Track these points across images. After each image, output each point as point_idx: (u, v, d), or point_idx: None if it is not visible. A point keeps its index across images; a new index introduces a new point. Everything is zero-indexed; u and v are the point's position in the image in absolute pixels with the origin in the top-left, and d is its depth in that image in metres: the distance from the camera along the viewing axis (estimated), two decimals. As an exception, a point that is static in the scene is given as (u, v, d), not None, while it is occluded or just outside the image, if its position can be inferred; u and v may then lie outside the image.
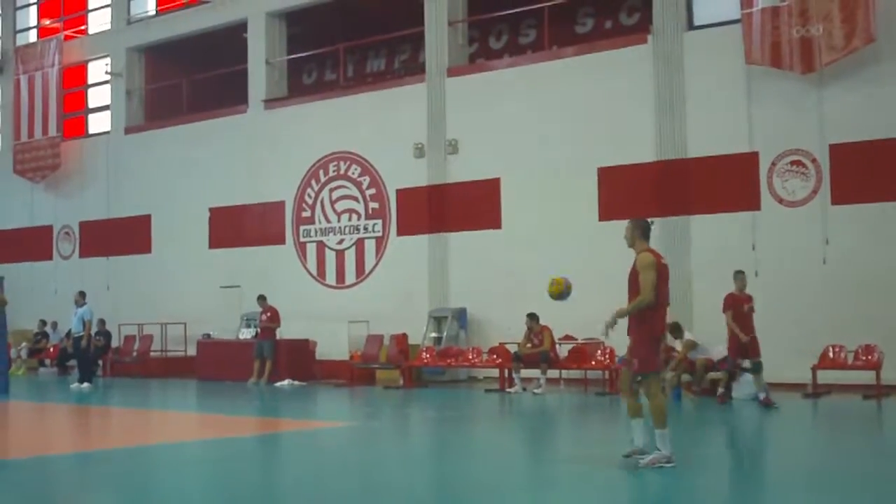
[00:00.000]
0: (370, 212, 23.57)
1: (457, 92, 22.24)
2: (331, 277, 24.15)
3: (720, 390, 15.44)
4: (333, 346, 22.41)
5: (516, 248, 20.96)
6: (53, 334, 28.08)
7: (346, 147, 24.01)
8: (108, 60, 29.55)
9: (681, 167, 19.28)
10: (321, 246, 24.41)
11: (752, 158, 18.49)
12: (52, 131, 29.99)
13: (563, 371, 19.07)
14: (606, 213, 19.64)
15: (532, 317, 18.47)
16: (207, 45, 27.10)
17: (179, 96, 27.98)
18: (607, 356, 17.95)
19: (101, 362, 24.85)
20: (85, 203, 29.54)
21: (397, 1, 23.31)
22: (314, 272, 24.43)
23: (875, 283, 17.06)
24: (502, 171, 21.43)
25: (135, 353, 25.69)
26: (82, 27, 30.88)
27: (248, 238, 25.57)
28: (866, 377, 16.19)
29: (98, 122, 30.27)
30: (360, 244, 23.69)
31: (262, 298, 21.95)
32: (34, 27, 32.36)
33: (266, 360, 21.48)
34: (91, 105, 30.72)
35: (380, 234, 23.35)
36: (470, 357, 20.02)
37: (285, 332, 22.16)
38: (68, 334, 23.80)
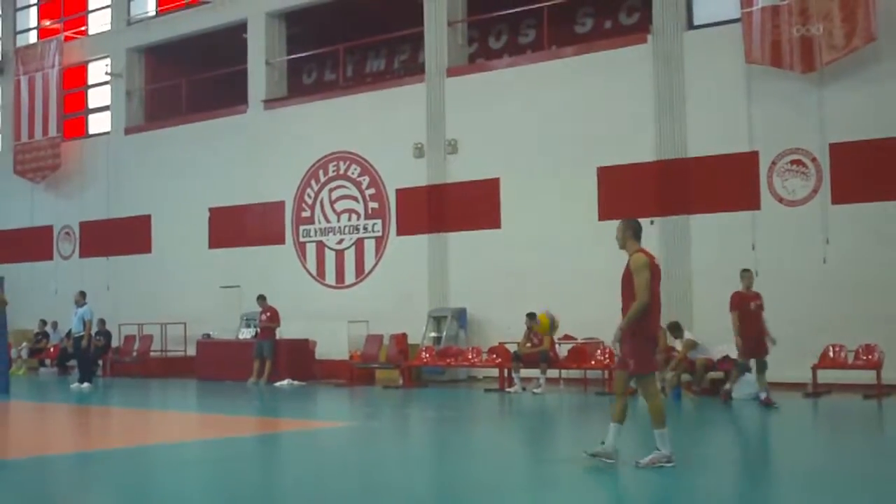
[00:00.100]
0: (370, 212, 23.57)
1: (456, 92, 22.23)
2: (330, 277, 24.15)
3: (726, 387, 15.32)
4: (333, 345, 22.40)
5: (516, 248, 20.95)
6: (54, 334, 28.09)
7: (346, 147, 24.01)
8: (108, 61, 29.56)
9: (681, 167, 19.27)
10: (321, 246, 24.41)
11: (752, 158, 18.49)
12: (53, 132, 30.01)
13: (563, 371, 19.07)
14: (606, 212, 19.62)
15: (532, 316, 18.46)
16: (207, 46, 27.11)
17: (179, 97, 27.98)
18: (607, 356, 17.94)
19: (101, 362, 24.85)
20: (85, 203, 29.55)
21: (397, 1, 23.31)
22: (314, 272, 24.43)
23: (875, 283, 17.05)
24: (502, 171, 21.43)
25: (135, 353, 25.70)
26: (82, 28, 30.89)
27: (247, 238, 25.57)
28: (867, 377, 16.19)
29: (98, 123, 30.28)
30: (359, 244, 23.69)
31: (261, 298, 21.95)
32: (34, 28, 32.38)
33: (266, 360, 21.48)
34: (91, 105, 30.73)
35: (379, 233, 23.35)
36: (469, 357, 20.02)
37: (285, 331, 22.16)
38: (68, 334, 23.80)
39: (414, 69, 24.56)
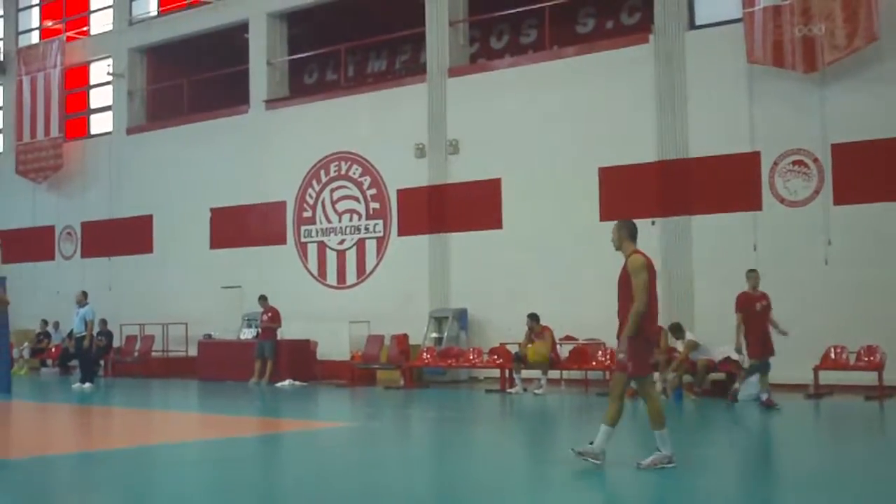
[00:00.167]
0: (371, 212, 23.57)
1: (458, 92, 22.23)
2: (332, 278, 24.15)
3: (735, 386, 15.16)
4: (334, 346, 22.41)
5: (517, 249, 20.94)
6: (55, 334, 28.11)
7: (347, 147, 24.01)
8: (109, 61, 29.59)
9: (682, 167, 19.26)
10: (322, 246, 24.41)
11: (753, 158, 18.47)
12: (55, 132, 30.03)
13: (564, 372, 19.05)
14: (607, 213, 19.59)
15: (533, 317, 18.45)
16: (209, 46, 27.13)
17: (181, 97, 27.99)
18: (608, 357, 17.92)
19: (102, 362, 24.86)
20: (87, 203, 29.57)
21: (398, 1, 23.32)
22: (315, 272, 24.43)
23: (877, 284, 17.03)
24: (503, 172, 21.42)
25: (136, 354, 25.73)
26: (84, 28, 30.91)
27: (249, 238, 25.57)
28: (868, 378, 16.15)
29: (100, 123, 30.30)
30: (360, 244, 23.68)
31: (263, 299, 21.95)
32: (36, 28, 32.41)
33: (267, 361, 21.49)
34: (93, 106, 30.75)
35: (381, 234, 23.34)
36: (471, 357, 20.01)
37: (286, 332, 22.17)
38: (70, 334, 23.80)
39: (415, 69, 24.56)
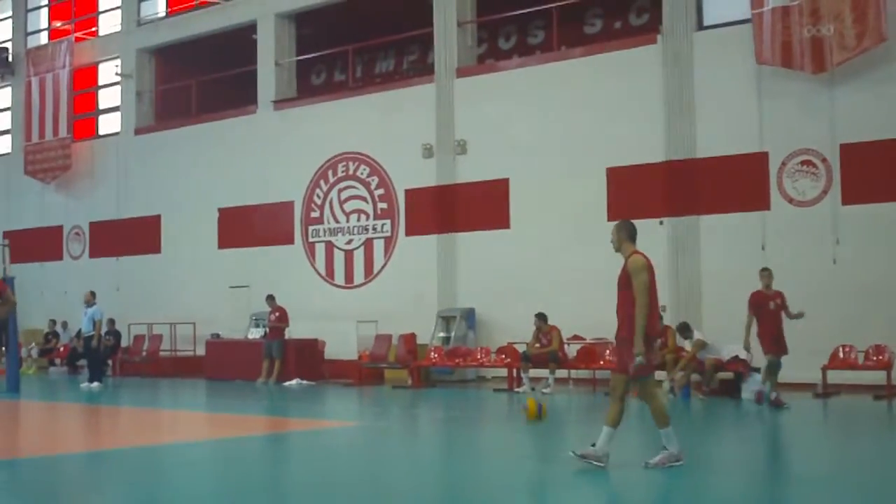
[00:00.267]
0: (379, 212, 23.58)
1: (465, 92, 22.24)
2: (339, 277, 24.17)
3: (762, 389, 14.79)
4: (342, 345, 22.44)
5: (525, 249, 20.94)
6: (64, 334, 28.18)
7: (355, 147, 24.03)
8: (118, 62, 29.65)
9: (690, 167, 19.24)
10: (330, 246, 24.44)
11: (762, 158, 18.45)
12: (63, 132, 30.10)
13: (572, 371, 19.05)
14: (615, 213, 19.52)
15: (541, 317, 18.47)
16: (217, 47, 27.17)
17: (189, 97, 28.05)
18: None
19: (110, 362, 24.93)
20: (95, 203, 29.63)
21: (406, 2, 23.33)
22: (323, 272, 24.46)
23: (886, 284, 16.99)
24: (511, 172, 21.42)
25: (144, 353, 25.77)
26: (93, 29, 30.99)
27: (257, 238, 25.60)
28: (877, 377, 16.14)
29: (108, 123, 30.36)
30: (368, 244, 23.70)
31: (270, 298, 21.99)
32: (45, 29, 32.49)
33: (275, 360, 21.52)
34: (101, 106, 30.81)
35: (388, 234, 23.36)
36: (478, 357, 20.02)
37: (294, 331, 22.20)
38: (78, 334, 23.89)
39: (423, 70, 24.57)
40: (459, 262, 22.05)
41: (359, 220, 23.95)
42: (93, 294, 21.45)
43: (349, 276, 24.00)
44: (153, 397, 19.75)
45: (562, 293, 19.80)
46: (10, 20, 33.23)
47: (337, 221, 24.33)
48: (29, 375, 25.09)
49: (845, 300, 17.23)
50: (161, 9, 29.19)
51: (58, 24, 32.08)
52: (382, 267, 23.42)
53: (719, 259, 18.68)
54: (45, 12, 32.68)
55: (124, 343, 26.13)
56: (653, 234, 18.73)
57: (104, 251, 29.24)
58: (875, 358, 16.36)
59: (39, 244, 30.69)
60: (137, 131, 28.95)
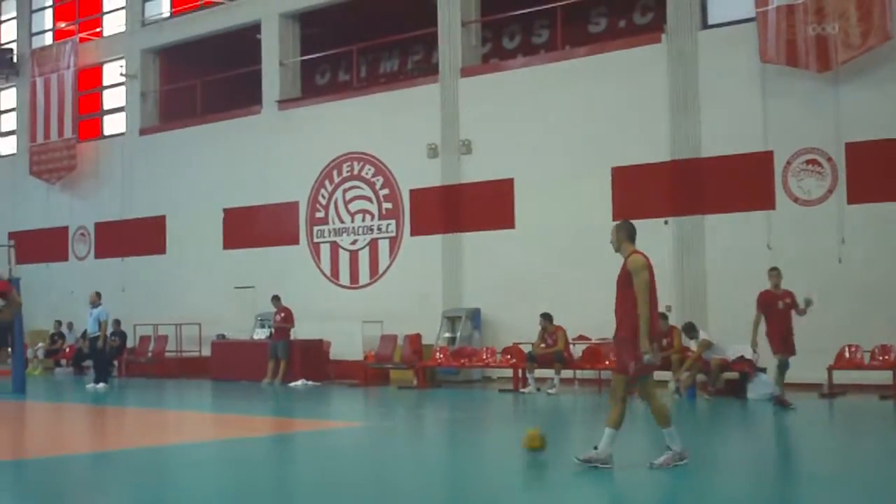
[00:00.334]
0: (384, 212, 23.58)
1: (470, 92, 22.23)
2: (344, 278, 24.18)
3: (777, 393, 14.56)
4: (347, 346, 22.44)
5: (530, 249, 20.93)
6: (69, 335, 28.20)
7: (360, 147, 24.03)
8: (122, 62, 29.67)
9: (695, 166, 19.21)
10: (335, 246, 24.44)
11: (767, 157, 18.41)
12: (68, 133, 30.14)
13: (577, 371, 19.04)
14: (620, 212, 19.47)
15: (546, 317, 18.47)
16: (221, 47, 27.18)
17: (193, 97, 28.06)
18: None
19: (116, 363, 24.96)
20: (100, 204, 29.67)
21: (410, 2, 23.32)
22: (328, 272, 24.47)
23: (892, 283, 16.95)
24: (516, 172, 21.41)
25: (150, 354, 25.80)
26: (97, 29, 31.02)
27: (262, 239, 25.62)
28: (883, 377, 16.11)
29: (113, 124, 30.40)
30: (373, 244, 23.71)
31: (276, 299, 22.01)
32: (50, 30, 32.52)
33: (280, 361, 21.53)
34: (106, 107, 30.85)
35: (393, 234, 23.36)
36: (484, 357, 20.03)
37: (299, 332, 22.21)
38: (84, 335, 23.93)
39: (427, 70, 24.57)
40: (464, 263, 22.04)
41: (364, 220, 23.94)
42: (98, 295, 21.48)
43: (354, 277, 24.00)
44: (159, 398, 19.77)
45: (567, 293, 19.78)
46: (14, 21, 33.29)
47: (342, 222, 24.33)
48: (35, 376, 25.10)
49: (851, 300, 17.19)
50: (165, 9, 29.22)
51: (62, 24, 32.12)
52: (387, 267, 23.41)
53: (724, 259, 18.65)
54: (49, 13, 32.71)
55: (130, 344, 26.15)
56: (658, 234, 18.73)
57: (109, 252, 29.27)
58: (881, 358, 16.34)
59: (45, 245, 30.74)
60: (142, 132, 28.98)
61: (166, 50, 29.11)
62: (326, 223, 24.60)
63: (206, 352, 24.74)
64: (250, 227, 25.92)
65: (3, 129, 33.76)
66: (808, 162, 18.03)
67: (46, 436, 13.83)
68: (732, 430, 13.54)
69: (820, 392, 16.33)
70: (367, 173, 23.91)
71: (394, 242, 23.35)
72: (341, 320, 22.84)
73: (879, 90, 17.44)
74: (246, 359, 22.80)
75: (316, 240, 24.79)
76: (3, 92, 33.66)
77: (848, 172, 17.64)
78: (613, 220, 19.58)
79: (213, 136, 26.87)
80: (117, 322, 24.51)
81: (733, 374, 16.58)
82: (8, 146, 33.39)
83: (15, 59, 32.42)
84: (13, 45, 32.90)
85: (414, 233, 23.00)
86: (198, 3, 28.26)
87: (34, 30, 32.84)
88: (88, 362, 24.13)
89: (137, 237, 28.41)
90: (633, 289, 8.89)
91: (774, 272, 14.76)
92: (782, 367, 14.45)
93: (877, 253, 17.26)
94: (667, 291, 18.33)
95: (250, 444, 11.96)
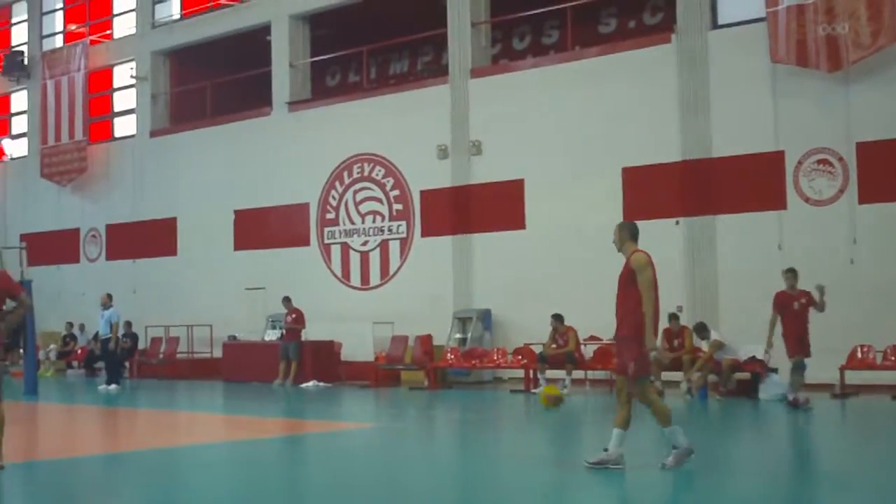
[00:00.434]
0: (394, 213, 23.60)
1: (480, 93, 22.23)
2: (355, 279, 24.20)
3: (794, 397, 14.46)
4: (358, 347, 22.45)
5: (541, 249, 20.91)
6: (81, 336, 28.29)
7: (370, 149, 24.05)
8: (133, 64, 29.76)
9: (706, 167, 19.18)
10: (345, 247, 24.46)
11: (777, 157, 18.37)
12: (79, 135, 30.24)
13: (589, 372, 19.02)
14: (631, 213, 19.46)
15: (557, 317, 18.45)
16: (231, 48, 27.24)
17: (204, 99, 28.13)
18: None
19: (128, 364, 25.03)
20: (111, 206, 29.77)
21: (420, 3, 23.34)
22: (339, 274, 24.49)
23: (903, 283, 16.90)
24: (526, 172, 21.40)
25: (161, 355, 25.87)
26: (108, 32, 31.11)
27: (272, 240, 25.66)
28: (895, 378, 16.04)
29: (124, 126, 30.50)
30: (384, 245, 23.72)
31: (287, 300, 22.04)
32: (60, 32, 32.65)
33: (292, 362, 21.56)
34: (117, 109, 30.94)
35: (404, 235, 23.37)
36: (495, 358, 20.02)
37: (310, 333, 22.24)
38: (96, 336, 24.00)
39: (437, 71, 24.58)
40: (475, 263, 22.04)
41: (374, 221, 23.96)
42: (109, 296, 21.55)
43: (365, 278, 24.02)
44: (170, 399, 19.82)
45: (578, 293, 19.74)
46: (25, 23, 33.43)
47: (352, 223, 24.36)
48: (47, 378, 25.19)
49: (863, 300, 17.12)
50: (175, 11, 29.30)
51: (73, 27, 32.24)
52: (398, 268, 23.43)
53: (735, 259, 18.60)
54: (60, 15, 32.83)
55: (141, 345, 26.22)
56: (669, 234, 18.71)
57: (121, 253, 29.36)
58: (893, 358, 16.29)
59: (56, 247, 30.84)
60: (153, 133, 29.05)
61: (176, 52, 29.18)
62: (337, 224, 24.63)
63: (218, 353, 24.79)
64: (261, 228, 25.96)
65: (15, 132, 33.91)
66: (819, 162, 17.98)
67: (59, 437, 13.88)
68: (744, 431, 13.51)
69: (832, 392, 16.29)
70: (377, 174, 23.92)
71: (404, 243, 23.36)
72: (352, 321, 22.86)
73: (890, 89, 17.38)
74: (257, 360, 22.84)
75: (327, 241, 24.82)
76: (14, 94, 33.81)
77: (859, 172, 17.58)
78: (624, 220, 19.58)
79: (223, 138, 26.92)
80: (129, 324, 24.57)
81: (745, 375, 16.55)
82: (19, 148, 33.55)
83: (26, 62, 32.54)
84: (24, 48, 33.03)
85: (424, 234, 23.01)
86: (208, 5, 28.33)
87: (45, 32, 32.97)
88: (100, 364, 24.21)
89: (148, 239, 28.49)
90: (635, 287, 8.89)
91: (790, 273, 14.73)
92: (799, 369, 14.41)
93: (888, 253, 17.20)
94: (678, 292, 18.40)
95: (262, 446, 11.98)
